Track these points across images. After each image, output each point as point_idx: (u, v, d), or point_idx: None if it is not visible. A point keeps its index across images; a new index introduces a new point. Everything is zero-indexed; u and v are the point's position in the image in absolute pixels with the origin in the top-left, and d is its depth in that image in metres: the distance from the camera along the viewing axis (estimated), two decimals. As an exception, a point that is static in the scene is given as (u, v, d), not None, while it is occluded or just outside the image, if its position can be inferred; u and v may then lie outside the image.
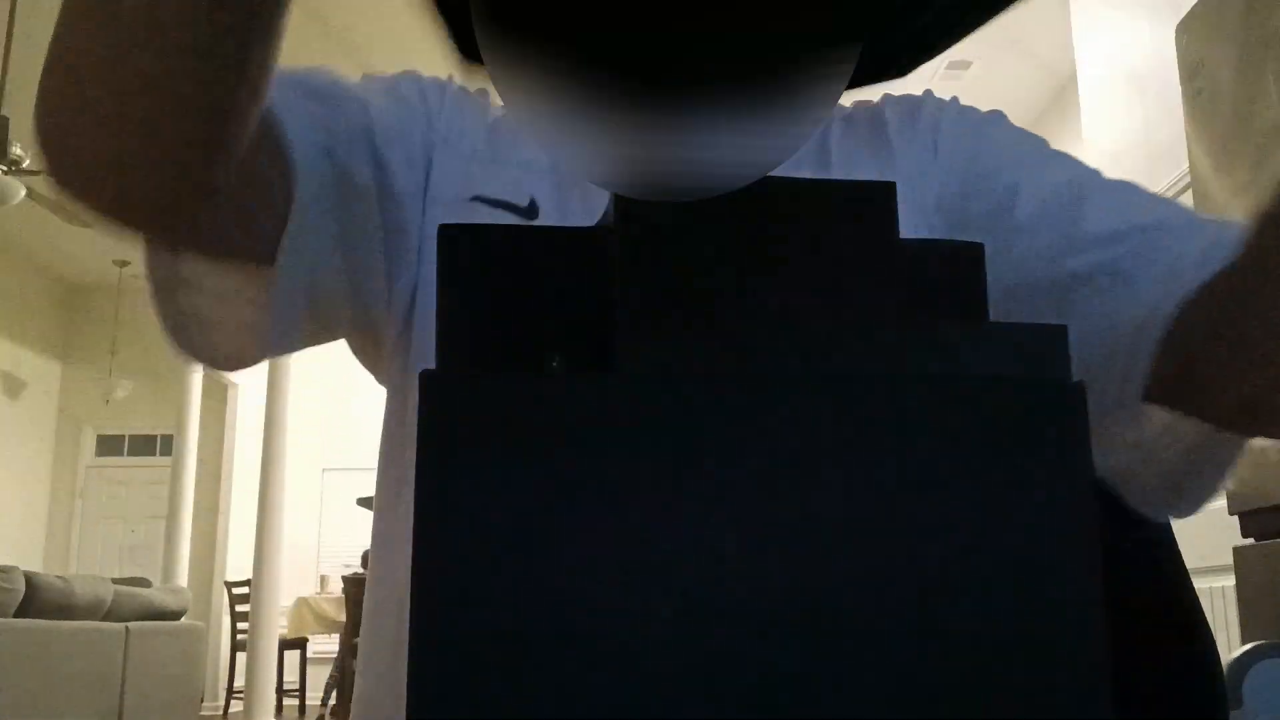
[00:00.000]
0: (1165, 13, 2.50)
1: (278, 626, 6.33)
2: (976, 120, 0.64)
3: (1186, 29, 2.16)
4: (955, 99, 0.67)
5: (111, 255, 7.16)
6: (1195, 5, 2.14)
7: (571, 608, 0.30)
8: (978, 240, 0.35)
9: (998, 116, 0.65)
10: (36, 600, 4.33)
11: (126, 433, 8.17)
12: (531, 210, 0.58)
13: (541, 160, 0.61)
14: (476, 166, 0.60)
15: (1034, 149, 0.61)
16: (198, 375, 7.03)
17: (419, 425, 0.30)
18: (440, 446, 0.30)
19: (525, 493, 0.31)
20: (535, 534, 0.30)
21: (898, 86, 0.61)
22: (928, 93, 0.67)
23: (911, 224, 0.59)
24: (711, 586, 0.31)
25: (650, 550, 0.31)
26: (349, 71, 0.59)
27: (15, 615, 4.23)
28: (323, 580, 7.31)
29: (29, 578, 4.35)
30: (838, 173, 0.63)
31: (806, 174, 0.59)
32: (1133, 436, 0.49)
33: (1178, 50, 2.19)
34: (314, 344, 0.58)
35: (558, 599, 0.30)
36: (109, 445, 8.19)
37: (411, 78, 0.63)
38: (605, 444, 0.31)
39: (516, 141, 0.62)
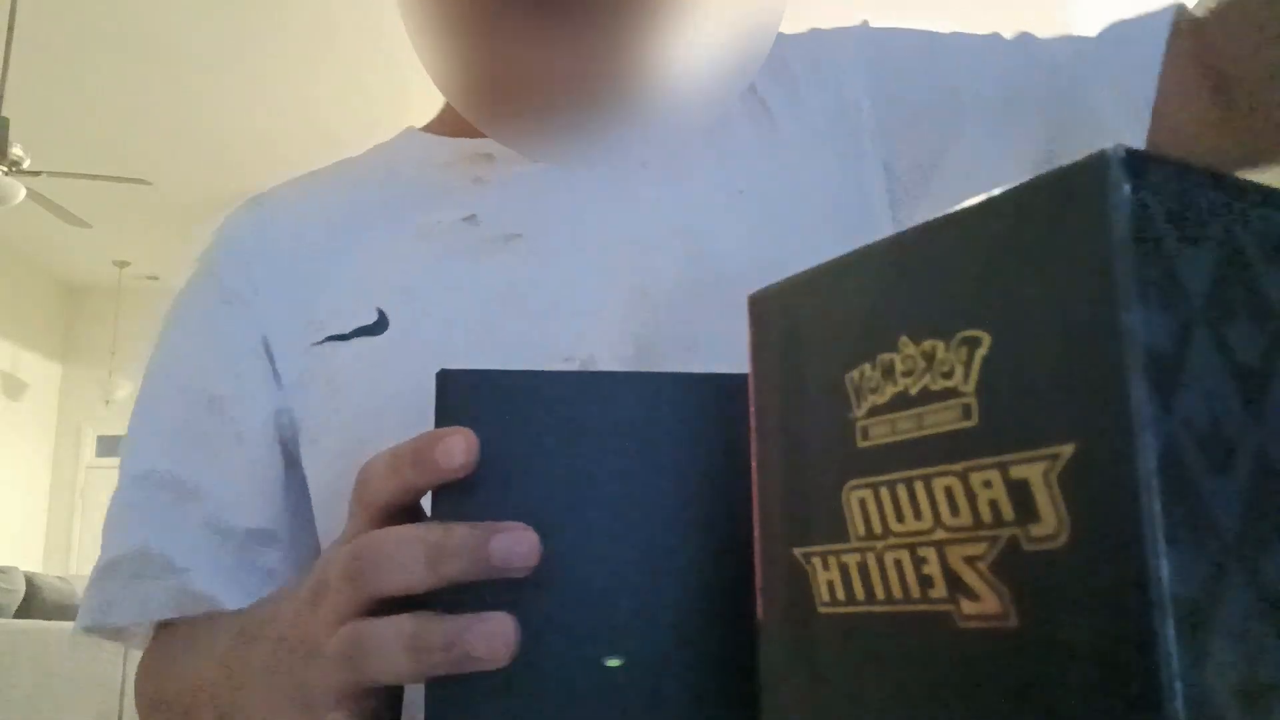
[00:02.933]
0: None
1: (278, 627, 6.31)
2: (878, 41, 0.65)
3: (1186, 28, 2.16)
4: (859, 26, 0.67)
5: (112, 255, 7.16)
6: (1195, 5, 2.14)
7: (581, 594, 0.30)
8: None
9: (890, 30, 0.66)
10: (37, 601, 4.33)
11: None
12: (381, 322, 0.58)
13: (377, 261, 0.60)
14: (308, 309, 0.59)
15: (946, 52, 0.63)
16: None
17: (436, 420, 0.31)
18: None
19: (539, 482, 0.31)
20: (548, 520, 0.31)
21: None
22: (820, 33, 0.68)
23: (841, 167, 0.61)
24: (716, 574, 0.31)
25: (662, 538, 0.31)
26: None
27: (15, 616, 4.23)
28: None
29: (29, 578, 4.35)
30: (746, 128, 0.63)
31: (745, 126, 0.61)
32: None
33: (1178, 50, 2.19)
34: None
35: (568, 585, 0.30)
36: (109, 446, 8.18)
37: (223, 291, 0.62)
38: (616, 437, 0.31)
39: (344, 246, 0.61)
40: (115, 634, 0.58)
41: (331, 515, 0.57)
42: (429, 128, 0.66)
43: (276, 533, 0.58)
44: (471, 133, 0.59)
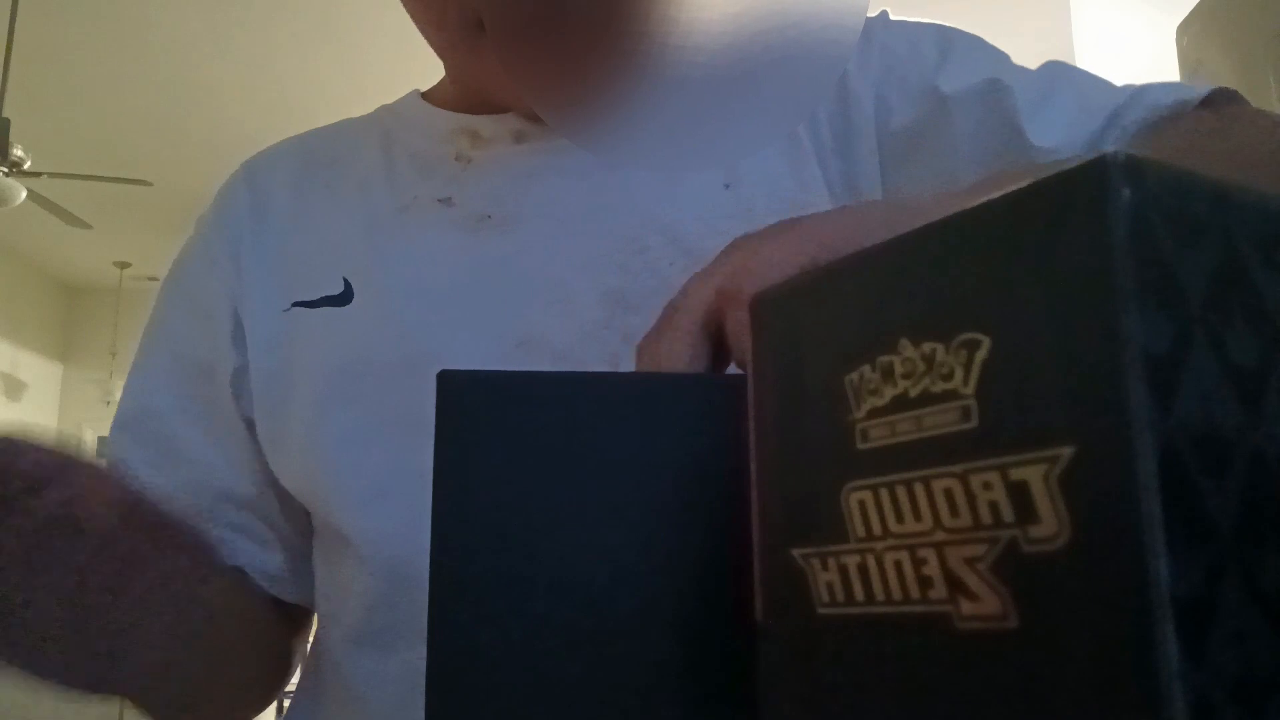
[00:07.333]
0: (1165, 13, 2.50)
1: (278, 627, 6.32)
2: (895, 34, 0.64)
3: (1186, 29, 2.17)
4: (879, 17, 0.65)
5: (112, 256, 7.16)
6: (1195, 5, 2.15)
7: (580, 594, 0.31)
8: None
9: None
10: (37, 601, 4.33)
11: (127, 434, 8.16)
12: (347, 293, 0.59)
13: (350, 232, 0.61)
14: (284, 275, 0.62)
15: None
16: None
17: (437, 419, 0.31)
18: (457, 439, 0.30)
19: (539, 482, 0.31)
20: (547, 520, 0.31)
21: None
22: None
23: (837, 157, 0.60)
24: (715, 575, 0.31)
25: (661, 539, 0.31)
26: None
27: (16, 616, 4.23)
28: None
29: (30, 579, 4.35)
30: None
31: None
32: None
33: (1178, 50, 2.19)
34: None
35: (567, 585, 0.31)
36: (109, 446, 8.19)
37: (207, 246, 0.65)
38: (615, 437, 0.31)
39: (321, 214, 0.63)
40: None
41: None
42: (429, 94, 0.68)
43: (244, 493, 0.61)
44: (466, 108, 0.63)
